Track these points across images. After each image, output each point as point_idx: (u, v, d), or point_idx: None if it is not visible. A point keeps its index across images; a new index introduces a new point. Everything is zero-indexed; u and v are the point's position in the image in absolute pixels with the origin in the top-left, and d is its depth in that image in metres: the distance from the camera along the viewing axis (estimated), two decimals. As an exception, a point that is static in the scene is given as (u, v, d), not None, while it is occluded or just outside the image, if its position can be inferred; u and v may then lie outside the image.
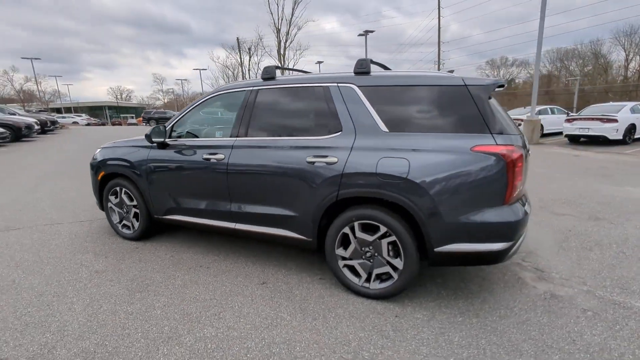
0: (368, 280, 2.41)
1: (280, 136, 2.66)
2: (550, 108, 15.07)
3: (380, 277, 2.39)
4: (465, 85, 2.14)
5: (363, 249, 2.38)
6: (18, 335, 2.07)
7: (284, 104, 2.72)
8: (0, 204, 4.96)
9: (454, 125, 2.15)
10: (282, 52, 35.15)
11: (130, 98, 77.90)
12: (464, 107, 2.13)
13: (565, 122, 12.04)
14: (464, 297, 2.43)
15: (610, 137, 10.83)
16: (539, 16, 11.55)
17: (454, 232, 2.09)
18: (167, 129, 3.15)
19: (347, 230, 2.39)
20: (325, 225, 2.51)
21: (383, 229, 2.26)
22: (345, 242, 2.45)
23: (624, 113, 11.01)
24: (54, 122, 21.53)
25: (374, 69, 2.90)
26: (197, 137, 3.29)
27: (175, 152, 3.11)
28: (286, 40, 35.05)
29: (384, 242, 2.29)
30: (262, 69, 2.86)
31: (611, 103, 13.07)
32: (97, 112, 60.01)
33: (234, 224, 2.87)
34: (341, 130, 2.40)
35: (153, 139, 3.09)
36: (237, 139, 2.80)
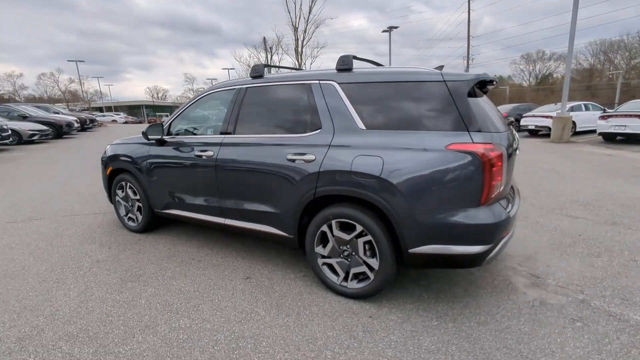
0: (346, 279, 2.39)
1: (265, 134, 2.69)
2: (584, 104, 14.02)
3: (358, 277, 2.36)
4: (444, 80, 2.05)
5: (341, 247, 2.36)
6: (15, 317, 2.24)
7: (269, 101, 2.74)
8: (31, 196, 5.38)
9: (431, 123, 2.07)
10: (299, 50, 35.16)
11: (166, 97, 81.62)
12: (442, 103, 2.05)
13: (600, 120, 11.13)
14: (446, 301, 2.34)
15: None
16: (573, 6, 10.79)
17: (428, 233, 2.02)
18: (165, 126, 3.28)
19: (325, 228, 2.38)
20: (306, 223, 2.51)
21: (359, 228, 2.23)
22: (324, 241, 2.45)
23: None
24: (92, 120, 23.01)
25: (364, 65, 2.86)
26: (193, 134, 3.40)
27: (173, 148, 3.22)
28: (303, 39, 35.04)
29: (360, 241, 2.25)
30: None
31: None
32: (135, 111, 63.38)
33: (224, 219, 2.94)
34: (320, 128, 2.38)
35: (149, 137, 3.23)
36: (226, 136, 2.86)
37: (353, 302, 2.35)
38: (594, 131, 12.36)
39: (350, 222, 2.25)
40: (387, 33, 24.04)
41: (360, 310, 2.26)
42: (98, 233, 3.75)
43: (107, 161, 3.81)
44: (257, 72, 2.83)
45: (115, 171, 3.79)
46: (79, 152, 10.87)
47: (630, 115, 10.28)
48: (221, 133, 2.91)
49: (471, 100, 2.03)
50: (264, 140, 2.64)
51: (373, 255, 2.24)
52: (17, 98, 52.46)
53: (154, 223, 3.71)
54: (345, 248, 2.34)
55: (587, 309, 2.20)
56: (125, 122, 41.45)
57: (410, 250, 2.08)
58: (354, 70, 2.42)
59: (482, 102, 2.21)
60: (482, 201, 1.94)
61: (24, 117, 14.90)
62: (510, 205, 2.19)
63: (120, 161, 3.67)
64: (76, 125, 17.83)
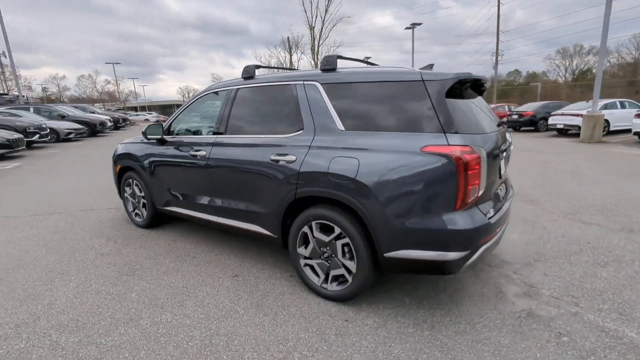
0: (326, 281, 2.38)
1: (253, 134, 2.72)
2: (620, 101, 12.95)
3: (338, 279, 2.34)
4: (422, 80, 1.99)
5: (321, 249, 2.35)
6: (17, 305, 2.42)
7: (257, 102, 2.77)
8: (56, 191, 5.76)
9: (408, 124, 2.02)
10: (315, 49, 35.16)
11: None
12: (420, 104, 1.99)
13: (635, 118, 10.24)
14: (428, 307, 2.27)
15: None
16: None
17: (402, 237, 1.97)
18: (165, 126, 3.40)
19: (306, 229, 2.38)
20: (290, 223, 2.52)
21: (337, 230, 2.21)
22: (306, 242, 2.45)
23: None
24: (125, 119, 24.25)
25: (360, 65, 2.82)
26: (193, 133, 3.50)
27: (173, 148, 3.34)
28: (319, 38, 35.02)
29: (339, 243, 2.24)
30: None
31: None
32: (167, 110, 66.03)
33: (217, 217, 3.01)
34: (303, 129, 2.38)
35: (148, 137, 3.36)
36: (218, 136, 2.92)
37: (332, 304, 2.34)
38: (630, 130, 11.46)
39: (329, 224, 2.24)
40: (412, 29, 23.51)
41: (338, 313, 2.24)
42: (107, 227, 3.96)
43: (117, 159, 4.01)
44: (248, 73, 2.87)
45: (124, 169, 3.97)
46: (109, 150, 11.47)
47: (670, 113, 9.43)
48: (214, 133, 2.98)
49: (451, 100, 1.96)
50: (251, 141, 2.68)
51: (351, 258, 2.22)
52: (62, 99, 56.31)
53: (158, 219, 3.86)
54: (325, 250, 2.33)
55: (579, 322, 2.06)
56: (157, 121, 43.18)
57: (385, 255, 2.04)
58: (337, 70, 2.40)
59: (467, 103, 2.12)
60: (457, 206, 1.86)
61: (63, 117, 15.97)
62: (492, 210, 2.08)
63: (127, 159, 3.85)
64: (109, 124, 18.88)
